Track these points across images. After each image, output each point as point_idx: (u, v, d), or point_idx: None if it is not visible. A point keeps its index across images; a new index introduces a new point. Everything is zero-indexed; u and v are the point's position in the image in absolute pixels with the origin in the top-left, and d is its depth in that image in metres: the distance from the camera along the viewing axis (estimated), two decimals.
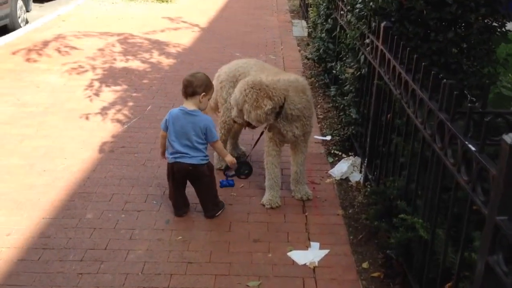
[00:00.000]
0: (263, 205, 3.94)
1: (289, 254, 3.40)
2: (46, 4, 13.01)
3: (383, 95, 3.66)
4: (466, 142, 2.07)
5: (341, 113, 4.91)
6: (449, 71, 4.02)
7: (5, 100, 5.95)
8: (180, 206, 3.80)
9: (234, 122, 3.84)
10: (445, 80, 2.46)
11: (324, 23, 6.46)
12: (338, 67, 5.30)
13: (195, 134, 3.57)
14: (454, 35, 3.89)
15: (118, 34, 9.11)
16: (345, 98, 4.80)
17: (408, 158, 2.94)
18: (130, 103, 5.96)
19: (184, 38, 9.16)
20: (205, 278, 3.15)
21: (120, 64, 7.45)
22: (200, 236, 3.57)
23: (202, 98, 3.58)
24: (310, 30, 8.96)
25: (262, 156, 4.05)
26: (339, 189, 4.24)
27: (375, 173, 3.78)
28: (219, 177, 4.01)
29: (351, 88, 4.63)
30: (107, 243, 3.45)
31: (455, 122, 2.28)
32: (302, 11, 11.40)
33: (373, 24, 4.01)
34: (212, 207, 3.76)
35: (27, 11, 10.49)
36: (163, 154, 3.81)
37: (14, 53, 7.75)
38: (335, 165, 4.61)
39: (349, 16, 4.87)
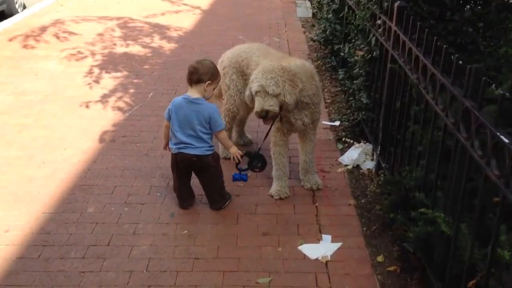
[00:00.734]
0: (272, 196, 3.78)
1: (300, 248, 3.25)
2: None
3: (397, 79, 3.47)
4: (498, 133, 1.89)
5: (350, 98, 4.72)
6: (465, 52, 3.83)
7: (3, 89, 5.77)
8: (185, 198, 3.65)
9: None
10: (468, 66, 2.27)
11: (331, 3, 6.22)
12: (346, 49, 5.09)
13: (199, 123, 3.39)
14: (472, 14, 3.69)
15: (118, 18, 8.87)
16: (354, 82, 4.60)
17: (427, 147, 2.76)
18: (131, 90, 5.77)
19: (186, 21, 8.92)
20: (213, 275, 3.00)
21: (120, 49, 7.24)
22: (206, 229, 3.43)
23: (207, 86, 3.41)
24: (314, 10, 8.69)
25: (269, 145, 3.88)
26: (350, 178, 4.08)
27: (389, 161, 3.60)
28: (224, 166, 3.83)
29: (361, 71, 4.43)
30: (110, 239, 3.31)
31: (483, 110, 2.09)
32: None
33: (385, 3, 3.80)
34: (218, 198, 3.61)
35: None
36: (166, 145, 3.64)
37: (11, 40, 7.54)
38: (345, 151, 4.44)
39: None
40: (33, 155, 4.33)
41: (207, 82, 3.39)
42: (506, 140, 1.83)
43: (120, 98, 5.55)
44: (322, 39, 6.55)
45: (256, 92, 3.42)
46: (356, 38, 4.64)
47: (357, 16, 4.52)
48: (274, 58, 3.75)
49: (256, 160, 3.67)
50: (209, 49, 7.35)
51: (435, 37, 2.68)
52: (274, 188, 3.79)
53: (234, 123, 4.29)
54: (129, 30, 8.23)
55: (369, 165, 4.13)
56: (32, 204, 3.66)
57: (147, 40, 7.72)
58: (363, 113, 4.34)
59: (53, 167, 4.15)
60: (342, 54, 5.39)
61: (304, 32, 8.30)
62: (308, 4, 10.20)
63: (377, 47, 4.01)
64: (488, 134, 1.97)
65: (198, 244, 3.28)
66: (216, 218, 3.54)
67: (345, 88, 5.11)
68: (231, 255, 3.17)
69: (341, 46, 5.61)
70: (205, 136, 3.43)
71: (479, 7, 3.78)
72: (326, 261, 3.13)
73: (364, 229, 3.45)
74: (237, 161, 3.55)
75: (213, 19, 9.11)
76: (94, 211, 3.60)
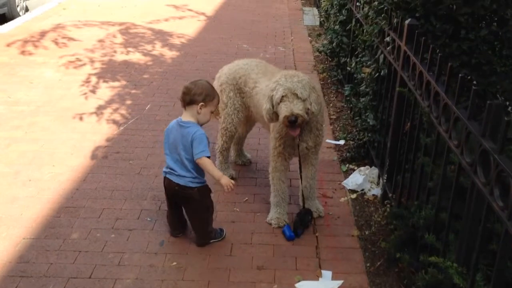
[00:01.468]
0: (270, 224, 3.52)
1: (297, 285, 2.99)
2: None
3: (407, 102, 3.21)
4: None
5: (356, 117, 4.45)
6: (480, 73, 3.56)
7: None
8: (175, 226, 3.40)
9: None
10: (488, 100, 2.01)
11: (338, 14, 5.96)
12: (353, 64, 4.83)
13: (183, 148, 3.11)
14: (488, 33, 3.42)
15: (120, 24, 8.67)
16: (361, 100, 4.34)
17: (439, 184, 2.49)
18: (128, 101, 5.54)
19: (189, 27, 8.70)
20: None
21: (120, 56, 7.02)
22: (197, 261, 3.17)
23: (200, 108, 3.12)
24: (322, 19, 8.44)
25: (268, 164, 3.62)
26: (353, 204, 3.81)
27: (396, 191, 3.33)
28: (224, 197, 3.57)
29: (367, 89, 4.17)
30: (92, 270, 3.06)
31: (504, 154, 1.83)
32: None
33: (395, 20, 3.54)
34: (202, 235, 3.33)
35: None
36: None
37: (9, 45, 7.35)
38: (349, 173, 4.18)
39: (366, 9, 4.39)
40: (19, 172, 4.10)
41: (200, 104, 3.12)
42: None
43: (116, 110, 5.32)
44: (329, 51, 6.29)
45: (282, 97, 3.10)
46: (363, 54, 4.38)
47: (364, 30, 4.27)
48: (274, 76, 3.50)
49: (307, 216, 3.44)
50: (212, 57, 7.13)
51: (450, 64, 2.41)
52: (272, 216, 3.54)
53: (232, 142, 4.04)
54: (130, 36, 8.02)
55: (374, 191, 3.86)
56: (13, 228, 3.43)
57: (149, 47, 7.50)
58: (369, 134, 4.07)
59: (39, 186, 3.92)
60: (348, 68, 5.13)
61: (311, 42, 8.05)
62: (316, 11, 9.95)
63: (385, 65, 3.75)
64: (511, 185, 1.71)
65: (187, 278, 3.03)
66: (208, 249, 3.29)
67: (351, 105, 4.85)
68: None
69: (348, 59, 5.35)
70: (189, 165, 3.12)
71: (496, 25, 3.51)
72: None
73: (368, 264, 3.18)
74: (229, 191, 3.15)
75: (218, 26, 8.88)
76: (78, 238, 3.36)
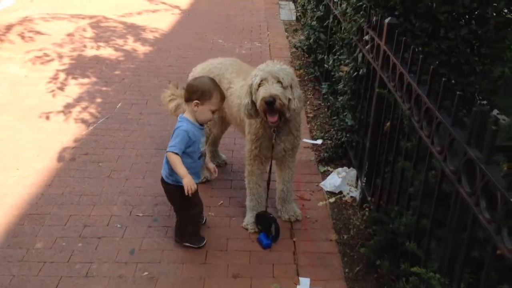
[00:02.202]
0: (246, 229, 3.40)
1: None
2: None
3: (386, 104, 3.11)
4: None
5: (334, 116, 4.35)
6: (459, 72, 3.49)
7: None
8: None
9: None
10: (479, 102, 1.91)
11: (315, 10, 5.84)
12: (331, 62, 4.72)
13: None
14: (468, 32, 3.34)
15: (91, 17, 8.38)
16: (338, 98, 4.24)
17: (420, 190, 2.40)
18: (98, 99, 5.33)
19: (163, 21, 8.46)
20: None
21: (90, 52, 6.77)
22: (170, 270, 3.03)
23: (196, 106, 2.96)
24: (298, 14, 8.33)
25: (243, 166, 3.49)
26: (331, 207, 3.71)
27: (375, 195, 3.24)
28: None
29: (345, 88, 4.07)
30: (57, 283, 2.89)
31: (491, 164, 1.74)
32: None
33: (374, 18, 3.43)
34: (177, 232, 3.22)
35: None
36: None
37: None
38: (327, 174, 4.08)
39: (344, 6, 4.28)
40: None
41: (195, 102, 2.96)
42: None
43: (85, 108, 5.11)
44: (306, 47, 6.18)
45: (262, 81, 2.93)
46: (341, 51, 4.28)
47: (343, 28, 4.16)
48: (248, 75, 3.36)
49: (266, 218, 3.33)
50: (186, 53, 6.95)
51: (432, 67, 2.31)
52: (248, 220, 3.41)
53: (206, 144, 3.89)
54: (101, 30, 7.75)
55: (352, 193, 3.77)
56: None
57: (120, 42, 7.26)
58: (347, 135, 3.98)
59: (1, 191, 3.70)
60: (326, 66, 5.02)
61: (287, 37, 7.92)
62: (292, 6, 9.82)
63: (364, 64, 3.65)
64: (499, 198, 1.62)
65: None
66: (181, 256, 3.15)
67: (329, 104, 4.75)
68: None
69: (325, 57, 5.24)
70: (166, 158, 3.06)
71: (475, 24, 3.44)
72: None
73: (346, 270, 3.09)
74: (188, 193, 2.94)
75: (192, 21, 8.67)
76: (42, 247, 3.17)
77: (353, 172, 3.86)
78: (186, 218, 3.13)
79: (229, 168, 4.16)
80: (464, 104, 3.32)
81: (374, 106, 3.30)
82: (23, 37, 7.17)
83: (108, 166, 4.11)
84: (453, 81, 3.52)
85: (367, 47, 3.50)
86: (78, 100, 5.28)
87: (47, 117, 4.88)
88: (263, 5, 10.09)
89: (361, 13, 3.72)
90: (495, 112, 3.81)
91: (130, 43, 7.24)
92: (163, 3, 9.74)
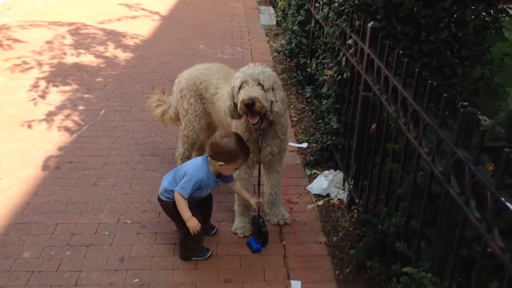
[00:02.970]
0: (235, 234, 3.41)
1: None
2: None
3: (372, 106, 3.16)
4: (503, 199, 1.58)
5: (319, 120, 4.40)
6: (442, 75, 3.57)
7: None
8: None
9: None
10: (461, 104, 1.97)
11: (296, 15, 5.90)
12: (314, 65, 4.78)
13: (179, 169, 3.15)
14: (448, 35, 3.42)
15: (69, 24, 8.30)
16: (323, 102, 4.28)
17: (409, 191, 2.45)
18: (81, 107, 5.28)
19: (143, 27, 8.43)
20: None
21: (70, 59, 6.70)
22: (160, 277, 3.02)
23: (218, 166, 3.01)
24: (278, 19, 8.39)
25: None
26: (319, 209, 3.75)
27: (363, 197, 3.29)
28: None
29: (330, 92, 4.11)
30: None
31: (480, 165, 1.79)
32: None
33: (356, 22, 3.49)
34: (180, 249, 3.20)
35: None
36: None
37: None
38: (314, 177, 4.12)
39: (326, 10, 4.34)
40: None
41: (219, 163, 2.99)
42: (511, 206, 1.53)
43: (67, 116, 5.05)
44: (287, 51, 6.23)
45: (242, 83, 2.94)
46: (324, 55, 4.33)
47: (325, 32, 4.21)
48: None
49: (258, 221, 3.34)
50: (168, 59, 6.93)
51: (417, 70, 2.36)
52: (237, 225, 3.42)
53: (193, 150, 3.89)
54: (81, 37, 7.68)
55: (340, 195, 3.81)
56: None
57: (101, 48, 7.21)
58: (333, 138, 4.02)
59: None
60: (309, 70, 5.07)
61: (268, 42, 7.97)
62: (272, 10, 9.89)
63: (348, 68, 3.70)
64: (489, 196, 1.67)
65: None
66: (171, 263, 3.14)
67: (313, 107, 4.79)
68: None
69: (308, 61, 5.29)
70: (169, 180, 3.12)
71: (455, 27, 3.53)
72: None
73: (337, 272, 3.12)
74: (194, 233, 3.04)
75: (173, 26, 8.66)
76: (30, 257, 3.13)
77: (340, 175, 3.91)
78: (187, 233, 3.08)
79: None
80: (446, 105, 3.39)
81: (359, 109, 3.34)
82: (1, 45, 7.06)
83: (94, 173, 4.07)
84: (434, 83, 3.60)
85: (350, 51, 3.55)
86: (60, 108, 5.23)
87: (29, 126, 4.81)
88: (242, 10, 10.13)
89: (343, 17, 3.78)
90: None
91: (111, 50, 7.19)
92: (143, 9, 9.70)
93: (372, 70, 3.09)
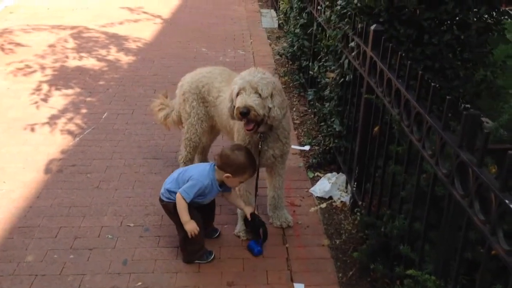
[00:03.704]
0: (238, 237, 3.41)
1: None
2: None
3: (375, 109, 3.16)
4: (507, 201, 1.58)
5: (321, 123, 4.40)
6: (444, 77, 3.57)
7: None
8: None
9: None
10: (464, 106, 1.97)
11: (298, 18, 5.91)
12: (316, 68, 4.78)
13: (183, 172, 3.15)
14: (451, 37, 3.43)
15: (72, 27, 8.32)
16: (325, 105, 4.28)
17: (413, 194, 2.45)
18: (84, 110, 5.29)
19: (145, 31, 8.45)
20: None
21: (72, 62, 6.72)
22: (164, 280, 3.02)
23: (226, 177, 3.04)
24: (280, 22, 8.40)
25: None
26: (322, 212, 3.74)
27: (366, 199, 3.28)
28: None
29: (332, 95, 4.12)
30: None
31: (483, 167, 1.79)
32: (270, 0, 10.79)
33: (359, 25, 3.50)
34: (182, 251, 3.19)
35: None
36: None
37: None
38: (316, 180, 4.12)
39: (328, 13, 4.35)
40: None
41: (226, 175, 3.02)
42: None
43: (70, 119, 5.06)
44: (289, 54, 6.24)
45: (240, 90, 2.95)
46: (327, 58, 4.33)
47: (327, 35, 4.22)
48: None
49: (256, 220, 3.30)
50: (170, 62, 6.94)
51: (420, 73, 2.37)
52: (240, 228, 3.42)
53: (196, 153, 3.90)
54: (83, 41, 7.70)
55: (343, 197, 3.81)
56: None
57: (103, 52, 7.22)
58: (335, 140, 4.02)
59: None
60: (311, 72, 5.08)
61: (270, 45, 7.97)
62: (274, 13, 9.90)
63: (350, 70, 3.71)
64: (493, 199, 1.66)
65: None
66: (175, 266, 3.14)
67: (315, 110, 4.79)
68: None
69: (310, 63, 5.30)
70: (172, 181, 3.14)
71: (457, 29, 3.53)
72: None
73: (340, 275, 3.12)
74: (192, 236, 3.05)
75: (175, 30, 8.67)
76: (33, 260, 3.13)
77: (342, 177, 3.91)
78: (186, 235, 3.08)
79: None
80: (449, 107, 3.39)
81: (362, 111, 3.35)
82: (3, 49, 7.07)
83: (96, 177, 4.08)
84: (437, 86, 3.60)
85: (353, 53, 3.56)
86: (63, 111, 5.24)
87: (32, 129, 4.82)
88: (244, 13, 10.15)
89: (345, 20, 3.78)
90: None
91: (113, 53, 7.20)
92: (145, 12, 9.72)
93: (375, 72, 3.10)
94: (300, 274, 3.11)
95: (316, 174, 4.20)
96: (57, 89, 5.80)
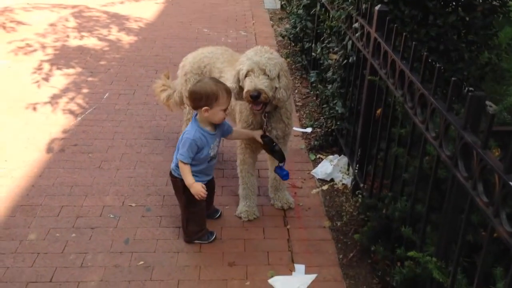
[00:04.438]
0: (239, 218, 3.42)
1: (270, 281, 2.90)
2: None
3: (378, 90, 3.14)
4: (511, 183, 1.57)
5: (323, 105, 4.38)
6: (448, 59, 3.54)
7: None
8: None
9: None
10: (468, 89, 1.95)
11: None
12: (319, 50, 4.73)
13: (179, 145, 3.03)
14: (456, 19, 3.39)
15: (73, 6, 8.25)
16: (328, 87, 4.26)
17: (415, 176, 2.44)
18: (85, 90, 5.27)
19: (147, 11, 8.37)
20: None
21: (74, 42, 6.67)
22: (165, 260, 3.04)
23: (206, 112, 2.89)
24: (283, 2, 8.31)
25: (234, 155, 3.50)
26: (323, 194, 3.75)
27: (368, 182, 3.28)
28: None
29: (335, 76, 4.09)
30: (52, 274, 2.88)
31: (488, 149, 1.78)
32: None
33: (363, 5, 3.45)
34: (184, 231, 3.20)
35: None
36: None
37: None
38: (318, 162, 4.12)
39: None
40: None
41: (204, 108, 2.88)
42: None
43: (72, 99, 5.05)
44: (292, 36, 6.18)
45: (248, 71, 2.92)
46: (330, 39, 4.29)
47: (331, 16, 4.17)
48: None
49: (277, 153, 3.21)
50: (171, 42, 6.89)
51: (425, 53, 2.34)
52: (241, 209, 3.43)
53: None
54: (84, 20, 7.64)
55: (344, 179, 3.81)
56: None
57: (104, 32, 7.17)
58: (337, 122, 4.01)
59: None
60: (314, 54, 5.03)
61: (272, 26, 7.90)
62: None
63: (354, 52, 3.67)
64: (497, 181, 1.66)
65: (155, 278, 2.89)
66: (176, 246, 3.16)
67: (317, 92, 4.77)
68: None
69: (313, 45, 5.25)
70: (175, 155, 3.06)
71: (463, 11, 3.49)
72: None
73: (341, 256, 3.13)
74: (200, 198, 2.98)
75: (176, 10, 8.60)
76: (36, 238, 3.15)
77: (344, 160, 3.90)
78: (188, 214, 3.11)
79: (220, 158, 4.16)
80: (454, 89, 3.37)
81: (365, 93, 3.33)
82: (4, 27, 7.03)
83: (98, 157, 4.08)
84: (441, 68, 3.57)
85: (356, 34, 3.52)
86: (64, 90, 5.22)
87: (34, 109, 4.81)
88: None
89: (349, 0, 3.73)
90: None
91: (115, 33, 7.15)
92: None
93: (379, 54, 3.06)
94: (301, 255, 3.13)
95: (318, 156, 4.20)
96: (58, 68, 5.77)
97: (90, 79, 5.55)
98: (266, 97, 2.93)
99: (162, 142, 4.32)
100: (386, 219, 2.77)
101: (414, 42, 2.53)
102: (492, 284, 2.02)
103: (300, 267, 3.02)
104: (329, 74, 4.23)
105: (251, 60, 2.95)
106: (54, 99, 5.01)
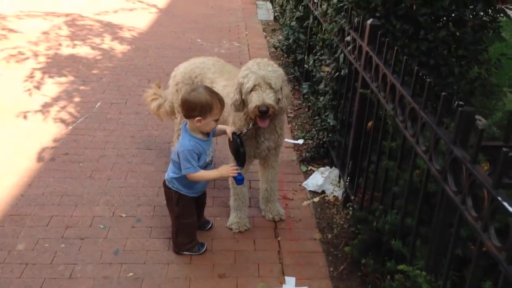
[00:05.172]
0: (230, 229, 3.41)
1: None
2: None
3: (369, 103, 3.16)
4: (499, 198, 1.59)
5: (315, 116, 4.40)
6: (439, 74, 3.58)
7: None
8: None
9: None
10: (457, 103, 1.97)
11: (294, 10, 5.88)
12: (311, 62, 4.77)
13: (175, 152, 3.00)
14: (447, 34, 3.43)
15: (66, 15, 8.25)
16: (320, 99, 4.28)
17: (405, 189, 2.46)
18: (77, 99, 5.25)
19: (140, 20, 8.39)
20: None
21: (66, 50, 6.66)
22: (155, 271, 3.02)
23: (198, 122, 2.84)
24: (276, 14, 8.37)
25: (226, 162, 3.48)
26: (314, 206, 3.75)
27: (359, 194, 3.29)
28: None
29: (327, 89, 4.11)
30: (41, 285, 2.85)
31: (477, 164, 1.79)
32: None
33: (355, 19, 3.49)
34: (173, 241, 3.19)
35: None
36: None
37: None
38: (309, 174, 4.12)
39: (324, 7, 4.33)
40: None
41: (197, 119, 2.85)
42: (510, 208, 1.53)
43: (63, 107, 5.03)
44: (285, 47, 6.22)
45: (254, 86, 2.93)
46: (322, 52, 4.32)
47: (323, 28, 4.21)
48: (231, 75, 3.38)
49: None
50: (165, 52, 6.90)
51: (416, 68, 2.37)
52: (232, 220, 3.42)
53: None
54: (77, 28, 7.64)
55: (335, 192, 3.82)
56: None
57: (97, 40, 7.16)
58: (329, 135, 4.03)
59: None
60: (306, 66, 5.07)
61: (265, 37, 7.95)
62: (269, 5, 9.86)
63: (346, 65, 3.70)
64: (486, 196, 1.67)
65: None
66: (166, 257, 3.14)
67: (310, 104, 4.79)
68: None
69: (305, 57, 5.29)
70: (172, 165, 3.03)
71: (453, 26, 3.53)
72: None
73: (331, 269, 3.13)
74: (235, 174, 2.97)
75: (170, 20, 8.62)
76: (24, 249, 3.12)
77: (335, 172, 3.92)
78: (179, 226, 3.09)
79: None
80: (444, 104, 3.41)
81: (357, 106, 3.35)
82: None
83: (89, 166, 4.06)
84: (432, 82, 3.61)
85: (348, 47, 3.55)
86: (56, 99, 5.20)
87: (25, 117, 4.78)
88: (240, 4, 10.10)
89: (342, 14, 3.77)
90: None
91: (107, 42, 7.15)
92: (140, 1, 9.65)
93: (371, 67, 3.09)
94: (291, 267, 3.12)
95: (309, 168, 4.21)
96: (50, 76, 5.76)
97: (82, 87, 5.53)
98: (273, 111, 2.96)
99: (154, 152, 4.31)
100: (377, 232, 2.77)
101: (405, 56, 2.56)
102: None
103: (290, 280, 3.01)
104: (321, 86, 4.26)
105: (256, 74, 2.94)
106: (45, 108, 4.98)
